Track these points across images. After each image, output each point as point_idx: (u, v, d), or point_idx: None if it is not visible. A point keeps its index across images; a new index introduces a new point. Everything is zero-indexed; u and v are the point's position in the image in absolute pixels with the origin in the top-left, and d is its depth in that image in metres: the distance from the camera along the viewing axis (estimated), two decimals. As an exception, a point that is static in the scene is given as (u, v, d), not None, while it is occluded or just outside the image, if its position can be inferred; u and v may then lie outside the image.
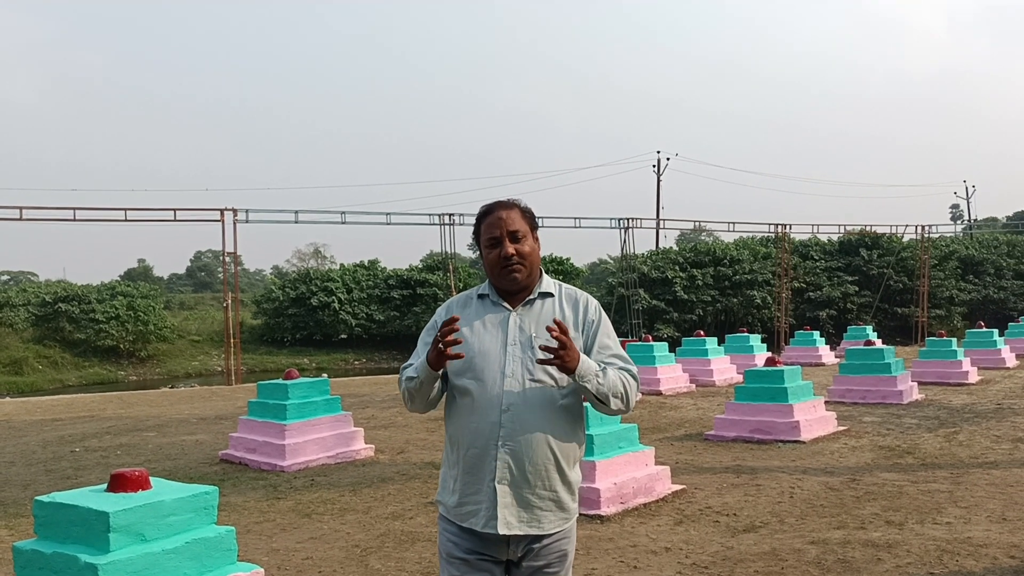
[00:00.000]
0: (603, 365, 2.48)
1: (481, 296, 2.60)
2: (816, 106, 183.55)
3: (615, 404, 2.45)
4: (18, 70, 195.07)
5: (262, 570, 3.87)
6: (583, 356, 2.40)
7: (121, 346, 35.43)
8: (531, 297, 2.54)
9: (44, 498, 3.68)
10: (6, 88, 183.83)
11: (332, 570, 5.07)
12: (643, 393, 14.09)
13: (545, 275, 2.63)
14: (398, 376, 2.68)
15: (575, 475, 2.52)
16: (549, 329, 2.34)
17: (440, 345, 2.36)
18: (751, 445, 8.98)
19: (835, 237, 40.18)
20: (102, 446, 10.46)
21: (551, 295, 2.57)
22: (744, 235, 40.79)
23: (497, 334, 2.49)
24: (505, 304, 2.54)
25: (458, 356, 2.39)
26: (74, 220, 23.32)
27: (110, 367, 34.83)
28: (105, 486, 3.73)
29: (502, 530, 2.39)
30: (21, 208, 22.35)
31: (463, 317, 2.53)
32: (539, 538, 2.45)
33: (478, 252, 2.65)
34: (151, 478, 3.79)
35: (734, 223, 33.53)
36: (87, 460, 9.42)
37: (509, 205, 2.57)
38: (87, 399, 18.22)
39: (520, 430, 2.40)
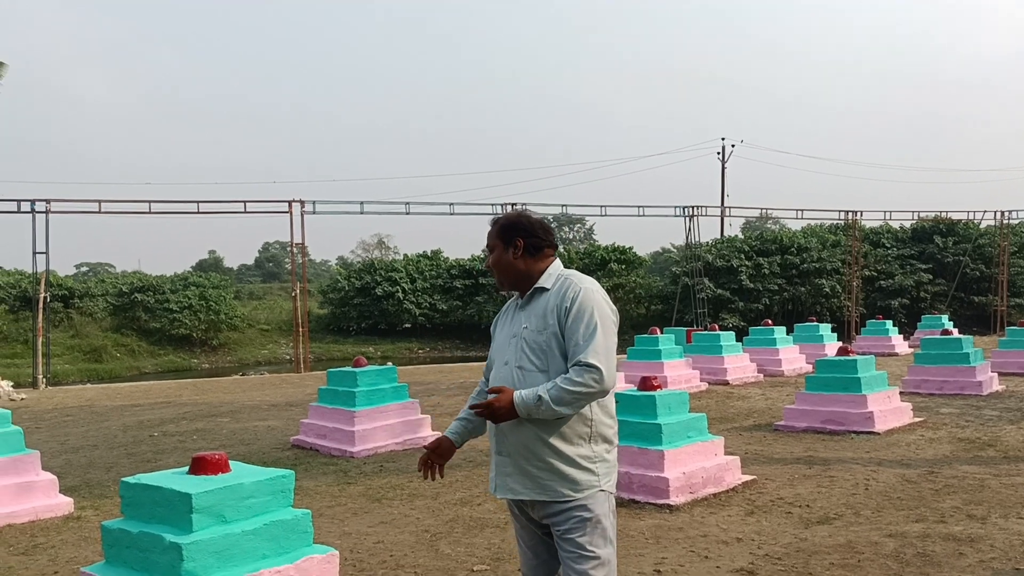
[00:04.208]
0: (538, 393, 2.69)
1: (515, 296, 3.02)
2: (889, 89, 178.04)
3: (570, 410, 2.70)
4: (93, 69, 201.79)
5: (337, 552, 3.93)
6: (519, 397, 2.69)
7: (194, 335, 36.50)
8: (530, 293, 2.91)
9: (130, 479, 3.80)
10: (82, 86, 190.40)
11: (403, 554, 5.14)
12: (709, 383, 13.92)
13: (552, 270, 2.91)
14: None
15: (579, 450, 2.75)
16: (487, 391, 2.79)
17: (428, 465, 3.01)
18: (823, 436, 8.80)
19: (908, 224, 39.00)
20: (179, 431, 10.80)
21: (547, 290, 2.86)
22: (812, 222, 39.90)
23: (509, 329, 2.95)
24: (520, 302, 2.95)
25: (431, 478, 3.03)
26: (150, 212, 24.09)
27: (184, 355, 35.94)
28: (187, 469, 3.84)
29: (499, 494, 2.85)
30: (100, 201, 23.18)
31: (502, 317, 3.06)
32: (550, 504, 2.76)
33: None
34: (230, 461, 3.89)
35: (802, 210, 32.77)
36: (165, 444, 9.74)
37: (494, 222, 2.99)
38: (163, 386, 18.83)
39: None
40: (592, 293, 2.79)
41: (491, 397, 2.75)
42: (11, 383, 18.36)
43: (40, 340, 22.35)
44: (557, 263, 2.95)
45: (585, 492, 2.74)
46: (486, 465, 7.71)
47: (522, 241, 2.89)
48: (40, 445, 8.81)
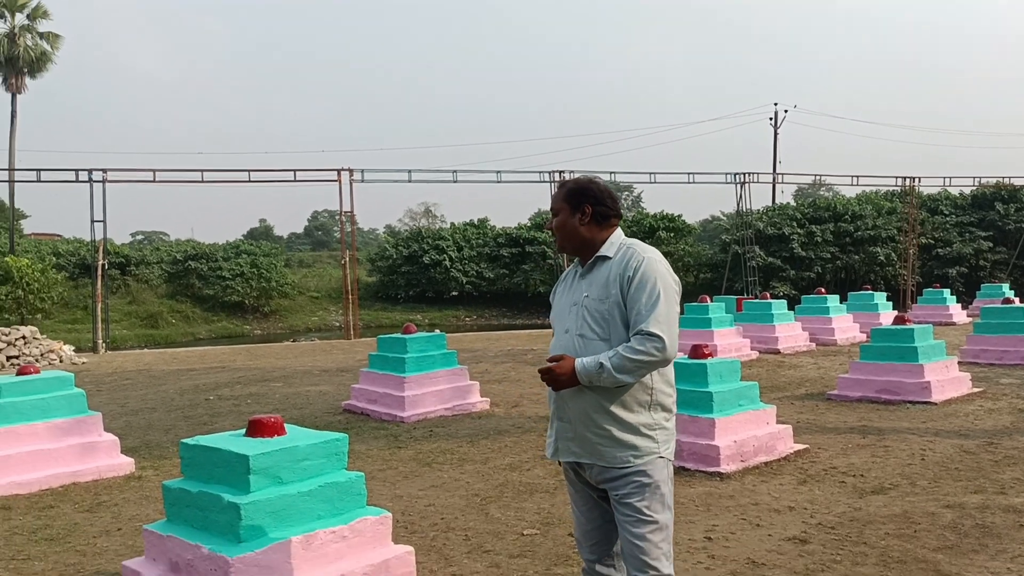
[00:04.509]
0: (599, 360, 2.69)
1: (576, 263, 3.01)
2: (949, 49, 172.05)
3: (631, 378, 2.70)
4: (143, 37, 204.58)
5: (390, 514, 3.99)
6: (580, 364, 2.71)
7: (246, 302, 37.19)
8: (592, 262, 2.89)
9: (189, 441, 3.90)
10: (133, 55, 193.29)
11: (454, 517, 5.19)
12: (760, 352, 13.76)
13: (614, 238, 2.89)
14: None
15: (639, 417, 2.76)
16: (548, 359, 2.78)
17: None
18: (877, 406, 8.64)
19: (968, 190, 37.84)
20: (234, 395, 11.04)
21: (609, 258, 2.84)
22: (867, 189, 38.94)
23: (569, 297, 2.93)
24: (581, 269, 2.95)
25: None
26: (202, 181, 24.48)
27: (236, 321, 36.66)
28: (244, 431, 3.92)
29: (561, 457, 2.88)
30: (154, 171, 23.62)
31: (561, 285, 3.04)
32: (608, 469, 2.77)
33: None
34: (285, 425, 3.96)
35: (857, 177, 32.00)
36: (221, 407, 9.96)
37: (561, 185, 2.98)
38: (218, 351, 19.25)
39: None
40: (655, 263, 2.78)
41: (552, 364, 2.75)
42: (73, 347, 18.93)
43: (99, 306, 22.98)
44: (619, 232, 2.92)
45: (645, 458, 2.75)
46: (535, 431, 7.75)
47: (590, 208, 2.87)
48: (101, 407, 9.08)
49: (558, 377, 2.73)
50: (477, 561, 4.36)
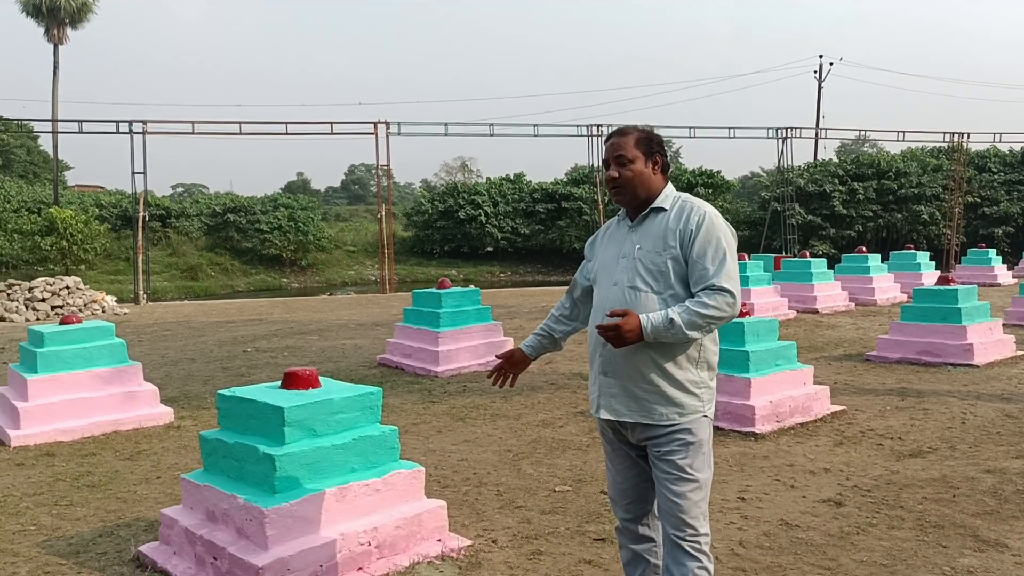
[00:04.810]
0: (669, 316, 2.60)
1: (621, 215, 2.93)
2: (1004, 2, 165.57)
3: (700, 333, 2.65)
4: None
5: (423, 468, 4.01)
6: (646, 320, 2.60)
7: (284, 255, 37.55)
8: (644, 213, 2.80)
9: (226, 392, 3.93)
10: (173, 7, 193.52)
11: (486, 472, 5.22)
12: (798, 311, 13.59)
13: (668, 190, 2.82)
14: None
15: (687, 375, 2.71)
16: (608, 314, 2.65)
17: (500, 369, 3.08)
18: (917, 368, 8.50)
19: (1019, 147, 36.70)
20: (271, 347, 11.18)
21: (664, 210, 2.76)
22: (913, 145, 37.95)
23: (615, 248, 2.84)
24: (630, 221, 2.85)
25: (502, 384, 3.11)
26: (240, 134, 24.59)
27: (274, 274, 37.07)
28: (279, 383, 3.94)
29: (603, 415, 2.79)
30: (193, 123, 23.76)
31: (603, 236, 2.96)
32: (653, 427, 2.71)
33: None
34: (320, 377, 3.98)
35: (903, 132, 31.18)
36: (258, 359, 10.10)
37: (624, 132, 2.83)
38: (255, 304, 19.50)
39: None
40: (717, 218, 2.75)
41: (616, 320, 2.62)
42: (115, 298, 19.28)
43: (140, 258, 23.34)
44: (671, 185, 2.87)
45: (690, 416, 2.72)
46: (568, 388, 7.75)
47: (661, 158, 2.81)
48: (142, 358, 9.26)
49: (626, 334, 2.59)
50: (509, 516, 4.39)
